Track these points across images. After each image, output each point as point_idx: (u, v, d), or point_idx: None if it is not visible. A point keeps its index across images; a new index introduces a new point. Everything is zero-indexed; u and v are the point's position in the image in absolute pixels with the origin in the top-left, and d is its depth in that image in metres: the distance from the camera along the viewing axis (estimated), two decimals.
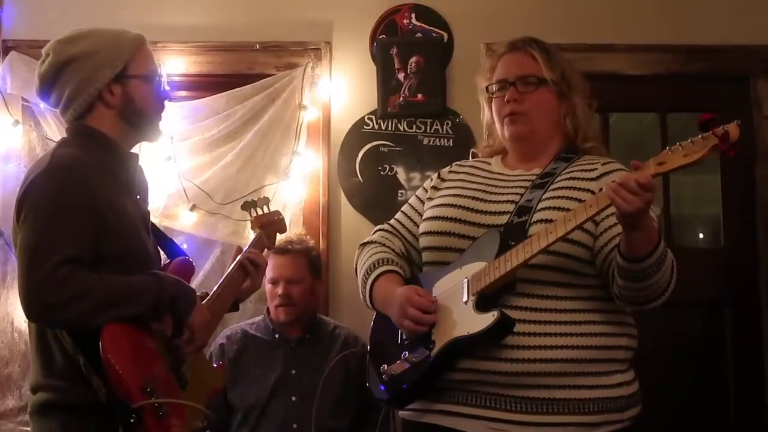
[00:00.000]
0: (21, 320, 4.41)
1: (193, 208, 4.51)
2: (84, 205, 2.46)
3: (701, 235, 5.09)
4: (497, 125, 2.80)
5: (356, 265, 2.85)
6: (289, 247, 3.94)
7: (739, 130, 2.23)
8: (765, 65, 4.75)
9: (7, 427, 4.26)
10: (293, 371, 3.96)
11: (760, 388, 4.69)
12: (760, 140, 4.72)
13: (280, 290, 3.92)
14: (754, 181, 4.77)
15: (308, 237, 4.29)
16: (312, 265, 4.07)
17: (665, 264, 2.39)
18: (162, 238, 2.90)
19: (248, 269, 2.94)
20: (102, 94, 2.63)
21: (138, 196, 2.73)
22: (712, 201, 4.97)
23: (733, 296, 4.76)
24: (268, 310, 4.12)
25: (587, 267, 2.52)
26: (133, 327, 2.45)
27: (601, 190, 2.36)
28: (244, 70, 4.73)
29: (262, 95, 4.64)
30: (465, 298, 2.50)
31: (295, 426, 3.85)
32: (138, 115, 2.70)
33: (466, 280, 2.52)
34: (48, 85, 2.64)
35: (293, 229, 4.33)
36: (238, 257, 2.96)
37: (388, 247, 2.80)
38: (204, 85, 4.71)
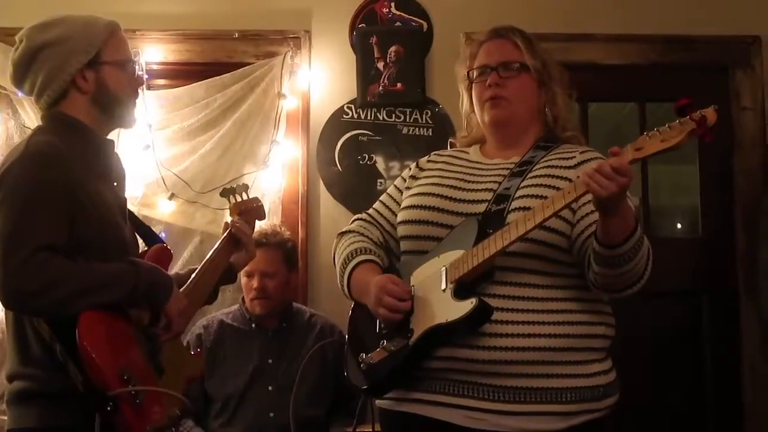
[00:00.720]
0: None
1: (171, 197, 4.52)
2: (60, 192, 2.45)
3: (679, 225, 5.13)
4: (477, 111, 2.81)
5: (334, 254, 2.86)
6: (264, 240, 3.93)
7: (716, 115, 2.23)
8: (744, 56, 4.78)
9: None
10: (270, 360, 3.97)
11: (736, 376, 4.74)
12: (738, 131, 4.77)
13: (255, 284, 3.93)
14: (732, 172, 4.81)
15: (283, 228, 4.28)
16: (287, 257, 4.08)
17: (641, 251, 2.40)
18: (139, 226, 2.89)
19: (241, 238, 2.96)
20: (75, 80, 2.62)
21: (115, 184, 2.72)
22: (690, 191, 5.01)
23: (710, 286, 4.80)
24: (243, 299, 4.12)
25: (565, 255, 2.53)
26: (109, 314, 2.45)
27: (578, 177, 2.36)
28: (223, 59, 4.73)
29: (241, 84, 4.65)
30: (443, 286, 2.51)
31: (272, 415, 3.86)
32: (112, 101, 2.69)
33: (444, 268, 2.52)
34: (21, 71, 2.64)
35: (272, 218, 4.35)
36: (228, 238, 2.97)
37: (366, 236, 2.81)
38: (183, 73, 4.70)
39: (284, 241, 4.11)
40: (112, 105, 2.70)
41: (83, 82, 2.62)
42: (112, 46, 2.71)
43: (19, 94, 4.37)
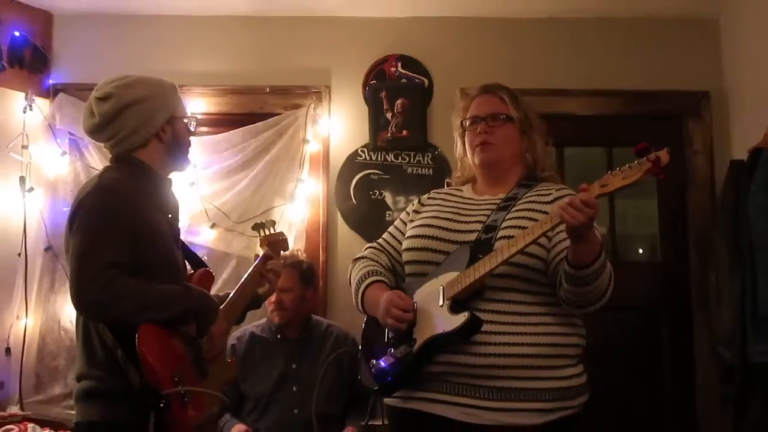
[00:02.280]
0: (66, 320, 4.44)
1: (212, 226, 4.56)
2: (124, 221, 2.50)
3: (641, 251, 5.12)
4: (469, 154, 2.81)
5: (350, 276, 2.85)
6: (282, 261, 3.96)
7: (669, 156, 2.25)
8: (695, 108, 4.80)
9: (55, 411, 4.27)
10: (293, 365, 3.98)
11: (690, 380, 4.74)
12: (690, 171, 4.78)
13: (273, 298, 3.93)
14: (686, 205, 4.82)
15: (300, 252, 4.32)
16: (302, 276, 4.08)
17: (605, 272, 2.42)
18: (188, 252, 2.92)
19: (268, 277, 2.97)
20: (158, 133, 2.68)
21: (170, 215, 2.76)
22: (650, 222, 4.99)
23: (668, 303, 4.80)
24: None
25: (542, 276, 2.53)
26: (164, 328, 2.49)
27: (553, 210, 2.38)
28: (256, 110, 4.77)
29: (272, 131, 4.69)
30: (441, 302, 2.51)
31: (295, 411, 3.87)
32: (180, 148, 2.76)
33: (441, 287, 2.53)
34: (107, 122, 2.65)
35: (297, 244, 4.39)
36: (258, 268, 2.99)
37: (377, 261, 2.81)
38: (222, 122, 4.73)
39: (300, 262, 4.12)
40: (179, 152, 2.77)
41: (163, 135, 2.69)
42: (179, 103, 2.78)
43: (86, 139, 4.45)
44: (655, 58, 4.81)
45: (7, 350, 4.42)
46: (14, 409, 4.21)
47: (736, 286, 4.15)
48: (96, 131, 2.69)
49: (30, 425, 3.96)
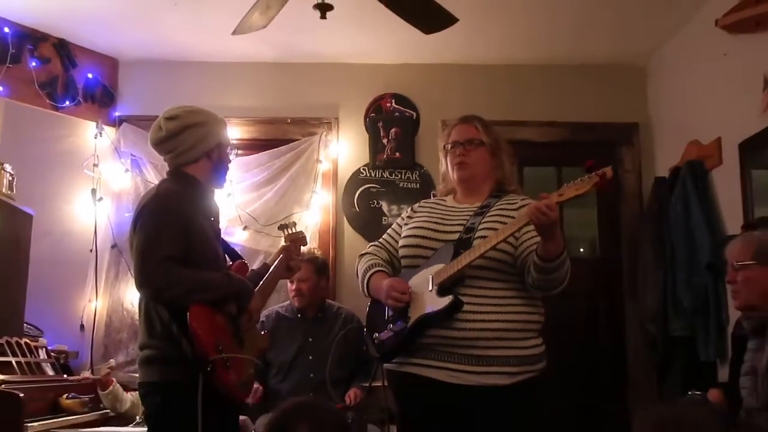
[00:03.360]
0: (128, 302, 4.47)
1: (244, 228, 4.57)
2: (177, 222, 2.51)
3: (582, 250, 5.14)
4: (450, 171, 2.80)
5: (357, 268, 2.84)
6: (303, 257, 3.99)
7: (613, 172, 2.29)
8: (627, 136, 4.85)
9: (119, 375, 4.25)
10: (310, 339, 3.98)
11: (622, 354, 4.77)
12: (622, 186, 4.81)
13: (294, 286, 3.98)
14: (619, 213, 4.86)
15: (316, 250, 4.35)
16: (317, 269, 4.06)
17: (565, 265, 2.43)
18: (227, 247, 2.91)
19: (292, 265, 2.97)
20: (209, 153, 2.67)
21: (212, 218, 2.75)
22: (590, 226, 5.01)
23: (605, 290, 4.84)
24: None
25: (511, 267, 2.53)
26: (210, 307, 2.49)
27: (520, 213, 2.42)
28: (279, 137, 4.79)
29: (292, 153, 4.71)
30: (430, 288, 2.51)
31: (311, 376, 3.87)
32: (221, 169, 2.75)
33: (431, 276, 2.53)
34: (171, 136, 2.64)
35: (312, 243, 4.38)
36: (284, 260, 2.98)
37: (378, 256, 2.80)
38: (253, 146, 4.73)
39: (315, 258, 4.12)
40: (221, 171, 2.75)
41: (212, 155, 2.68)
42: (226, 134, 2.78)
43: (145, 159, 4.46)
44: (595, 96, 4.84)
45: (81, 327, 4.44)
46: (86, 374, 4.19)
47: (659, 277, 4.20)
48: (160, 143, 2.67)
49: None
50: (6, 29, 4.14)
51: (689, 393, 3.13)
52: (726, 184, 3.91)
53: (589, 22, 4.26)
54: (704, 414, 1.51)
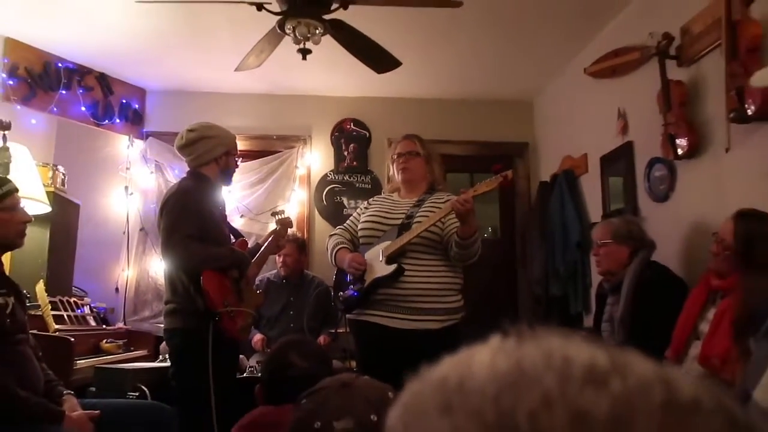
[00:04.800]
0: (153, 272, 4.37)
1: (241, 216, 4.49)
2: (194, 209, 2.49)
3: (487, 234, 5.19)
4: (396, 175, 2.81)
5: (327, 245, 2.82)
6: (288, 237, 3.94)
7: (513, 174, 2.34)
8: (520, 152, 4.88)
9: (145, 326, 4.18)
10: (292, 299, 3.93)
11: (516, 307, 4.81)
12: (517, 188, 4.83)
13: (281, 259, 3.93)
14: (514, 207, 4.88)
15: (297, 232, 4.28)
16: (298, 247, 4.02)
17: (477, 243, 2.48)
18: (232, 228, 2.88)
19: (280, 243, 2.93)
20: (217, 159, 2.64)
21: (221, 207, 2.73)
22: (494, 216, 5.04)
23: (503, 262, 4.84)
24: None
25: (439, 245, 2.56)
26: (218, 273, 2.47)
27: (445, 205, 2.45)
28: (267, 149, 4.71)
29: (276, 162, 4.64)
30: (381, 259, 2.54)
31: (292, 325, 3.82)
32: (228, 172, 2.72)
33: (381, 250, 2.56)
34: (190, 143, 2.61)
35: (294, 228, 4.34)
36: (273, 236, 2.92)
37: (343, 237, 2.80)
38: (248, 155, 4.59)
39: (297, 238, 4.08)
40: (228, 174, 2.72)
41: (221, 161, 2.65)
42: (234, 146, 2.75)
43: (166, 164, 4.37)
44: (498, 122, 4.87)
45: (116, 289, 4.33)
46: (120, 325, 4.12)
47: (542, 253, 4.27)
48: (182, 148, 2.65)
49: None
50: (60, 65, 4.05)
51: None
52: (590, 187, 3.97)
53: (495, 69, 4.31)
54: None
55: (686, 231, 2.91)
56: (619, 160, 3.57)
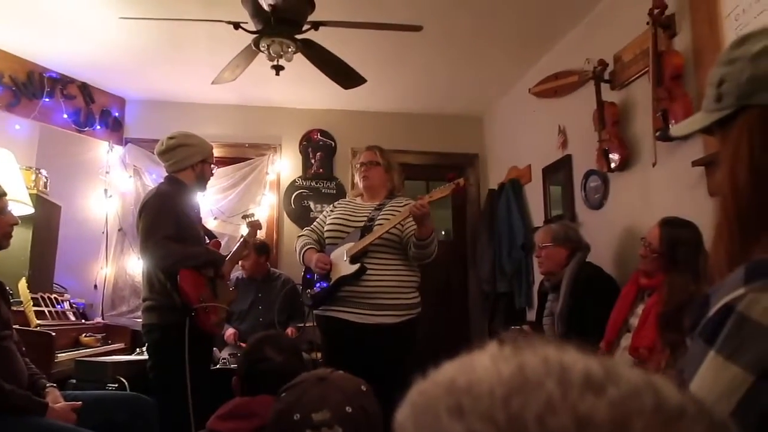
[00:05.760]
0: (130, 270, 4.25)
1: (215, 218, 4.39)
2: (171, 212, 2.44)
3: (443, 233, 5.22)
4: (359, 182, 2.81)
5: (296, 245, 2.81)
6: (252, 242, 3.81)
7: (465, 182, 2.36)
8: (471, 162, 4.91)
9: (122, 321, 4.07)
10: (260, 295, 3.88)
11: (466, 302, 4.81)
12: (467, 196, 4.86)
13: (241, 263, 3.77)
14: (466, 212, 4.91)
15: (258, 239, 3.99)
16: (257, 251, 3.83)
17: (433, 244, 2.49)
18: (206, 230, 2.84)
19: (248, 245, 2.90)
20: (193, 166, 2.59)
21: (196, 210, 2.68)
22: (447, 220, 5.02)
23: (455, 261, 4.86)
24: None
25: (399, 245, 2.56)
26: (194, 271, 2.43)
27: (404, 209, 2.45)
28: (240, 156, 4.62)
29: (249, 167, 4.56)
30: (345, 258, 2.53)
31: (261, 319, 3.77)
32: (203, 179, 2.67)
33: (345, 250, 2.55)
34: (169, 150, 2.57)
35: (262, 231, 4.26)
36: (243, 239, 2.90)
37: (311, 237, 2.78)
38: (222, 162, 4.49)
39: (255, 243, 3.76)
40: (202, 181, 2.67)
41: (197, 168, 2.61)
42: (210, 155, 2.69)
43: (143, 169, 4.27)
44: (451, 135, 4.90)
45: (95, 286, 4.19)
46: (98, 319, 4.01)
47: (490, 253, 4.31)
48: (161, 153, 2.60)
49: None
50: (44, 74, 3.91)
51: (511, 328, 3.24)
52: (534, 194, 4.02)
53: (449, 87, 4.34)
54: None
55: (617, 235, 2.99)
56: (559, 171, 3.64)
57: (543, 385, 0.28)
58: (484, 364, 0.30)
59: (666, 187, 2.62)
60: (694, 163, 2.34)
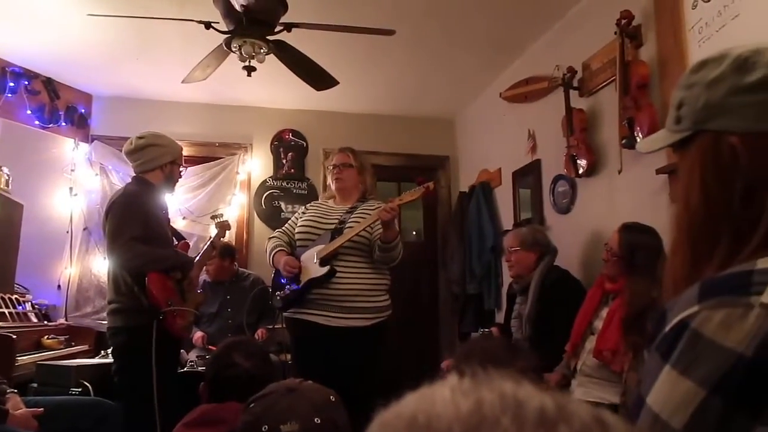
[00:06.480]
0: (95, 270, 4.15)
1: (183, 218, 4.33)
2: (139, 213, 2.40)
3: (414, 234, 5.26)
4: (331, 184, 2.81)
5: (266, 247, 2.80)
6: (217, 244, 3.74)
7: (435, 185, 2.38)
8: (442, 164, 4.95)
9: (86, 322, 3.97)
10: (228, 297, 3.83)
11: (436, 303, 4.87)
12: (438, 197, 4.89)
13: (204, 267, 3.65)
14: (436, 214, 4.94)
15: (223, 240, 3.86)
16: (220, 252, 3.74)
17: (398, 248, 2.51)
18: (174, 231, 2.80)
19: (216, 245, 2.87)
20: (162, 167, 2.55)
21: (164, 211, 2.64)
22: (418, 221, 5.09)
23: (426, 262, 4.90)
24: None
25: (367, 248, 2.57)
26: (162, 274, 2.39)
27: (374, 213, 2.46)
28: (210, 155, 4.56)
29: (219, 167, 4.51)
30: (315, 260, 2.53)
31: (230, 321, 3.73)
32: (171, 180, 2.63)
33: (316, 252, 2.55)
34: (138, 149, 2.53)
35: (232, 232, 4.21)
36: (211, 241, 2.88)
37: (282, 239, 2.77)
38: (192, 161, 4.43)
39: (219, 246, 3.64)
40: (171, 182, 2.63)
41: (165, 169, 2.57)
42: (180, 157, 2.67)
43: (110, 167, 4.18)
44: (423, 137, 4.92)
45: (58, 287, 4.08)
46: (62, 321, 3.91)
47: (460, 255, 4.35)
48: (130, 153, 2.56)
49: None
50: (7, 68, 3.80)
51: (480, 329, 3.29)
52: (504, 198, 4.07)
53: (422, 90, 4.37)
54: (493, 344, 1.59)
55: (584, 240, 3.05)
56: (528, 175, 3.69)
57: (499, 422, 0.29)
58: (444, 398, 0.31)
59: (631, 194, 2.69)
60: (658, 171, 2.41)
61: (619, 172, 2.65)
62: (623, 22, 2.56)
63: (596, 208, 2.98)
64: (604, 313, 2.35)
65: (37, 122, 3.99)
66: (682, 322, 0.52)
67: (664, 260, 2.05)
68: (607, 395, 2.20)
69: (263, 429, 0.89)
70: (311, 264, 2.55)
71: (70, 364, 2.81)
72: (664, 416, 0.49)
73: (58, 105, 4.12)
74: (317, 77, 3.00)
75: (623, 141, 2.53)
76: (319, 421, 0.92)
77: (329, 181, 2.85)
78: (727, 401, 0.47)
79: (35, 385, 2.68)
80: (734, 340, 0.48)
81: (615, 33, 2.61)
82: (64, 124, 4.16)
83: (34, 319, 3.53)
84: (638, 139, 2.41)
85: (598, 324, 2.35)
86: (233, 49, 2.61)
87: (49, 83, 4.05)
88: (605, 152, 2.89)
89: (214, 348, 3.30)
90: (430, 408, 0.30)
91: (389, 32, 2.69)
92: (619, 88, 2.55)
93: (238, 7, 2.46)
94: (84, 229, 4.20)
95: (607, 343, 2.21)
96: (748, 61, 0.61)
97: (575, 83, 3.06)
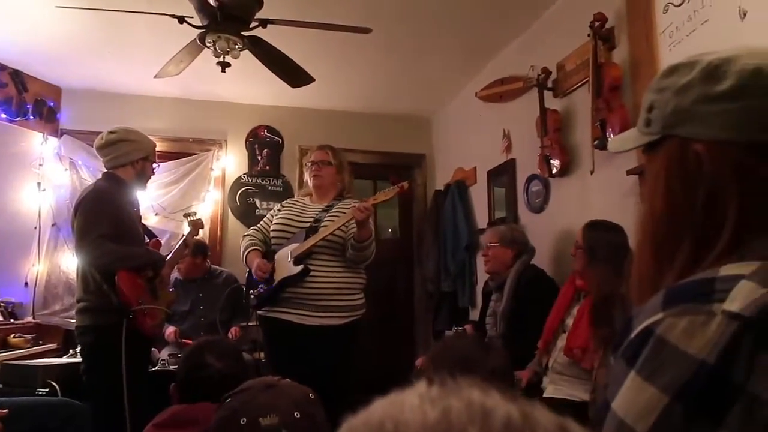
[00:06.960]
0: (64, 266, 4.07)
1: (156, 214, 4.27)
2: (109, 210, 2.36)
3: (390, 231, 5.26)
4: (309, 181, 2.79)
5: (241, 244, 2.77)
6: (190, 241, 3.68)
7: (409, 184, 2.40)
8: (418, 162, 4.97)
9: (55, 320, 3.90)
10: (200, 294, 3.76)
11: (411, 301, 4.87)
12: (414, 195, 4.92)
13: (178, 264, 3.54)
14: (412, 211, 4.96)
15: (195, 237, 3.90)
16: (192, 250, 3.57)
17: (372, 247, 2.51)
18: (146, 229, 2.74)
19: (188, 244, 2.84)
20: (133, 163, 2.51)
21: (135, 208, 2.60)
22: (394, 219, 5.09)
23: (402, 260, 4.92)
24: None
25: (342, 246, 2.56)
26: (132, 272, 2.35)
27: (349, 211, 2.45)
28: (184, 151, 4.50)
29: (192, 163, 4.45)
30: (289, 259, 2.52)
31: (202, 319, 3.67)
32: (143, 177, 2.59)
33: (290, 251, 2.53)
34: (109, 144, 2.48)
35: (205, 230, 4.17)
36: (184, 239, 2.83)
37: (256, 237, 2.75)
38: (164, 156, 4.34)
39: (192, 244, 3.71)
40: (143, 178, 2.59)
41: (137, 165, 2.52)
42: (152, 153, 2.62)
43: (80, 162, 4.10)
44: (399, 135, 4.92)
45: (26, 284, 3.98)
46: (29, 319, 3.83)
47: (435, 253, 4.38)
48: (101, 148, 2.51)
49: None
50: None
51: (454, 327, 3.30)
52: (478, 196, 4.10)
53: (398, 88, 4.37)
54: (466, 342, 1.60)
55: (557, 238, 3.09)
56: (503, 175, 3.72)
57: (466, 431, 0.29)
58: (412, 405, 0.31)
59: (603, 194, 2.73)
60: (629, 172, 2.45)
61: (592, 172, 2.69)
62: (596, 24, 2.60)
63: (569, 208, 3.02)
64: (576, 311, 2.39)
65: (3, 115, 3.89)
66: (647, 328, 0.53)
67: (631, 257, 2.10)
68: (577, 392, 2.24)
69: (241, 422, 0.89)
70: (285, 262, 2.54)
71: (37, 364, 2.75)
72: (629, 422, 0.50)
73: (26, 98, 4.02)
74: (293, 74, 2.98)
75: (596, 142, 2.56)
76: (298, 416, 0.92)
77: (306, 177, 2.84)
78: (689, 408, 0.48)
79: (1, 385, 2.61)
80: (697, 347, 0.49)
81: (588, 35, 2.64)
82: (32, 117, 4.06)
83: (0, 318, 3.44)
84: (609, 140, 2.45)
85: (570, 322, 2.39)
86: (207, 45, 2.58)
87: (17, 75, 3.95)
88: (578, 153, 2.92)
89: (188, 341, 3.27)
90: (398, 415, 0.30)
91: (366, 30, 2.68)
92: (592, 89, 2.59)
93: (212, 2, 2.43)
94: (53, 225, 4.10)
95: (577, 341, 2.25)
96: (718, 70, 0.62)
97: (549, 84, 3.09)
